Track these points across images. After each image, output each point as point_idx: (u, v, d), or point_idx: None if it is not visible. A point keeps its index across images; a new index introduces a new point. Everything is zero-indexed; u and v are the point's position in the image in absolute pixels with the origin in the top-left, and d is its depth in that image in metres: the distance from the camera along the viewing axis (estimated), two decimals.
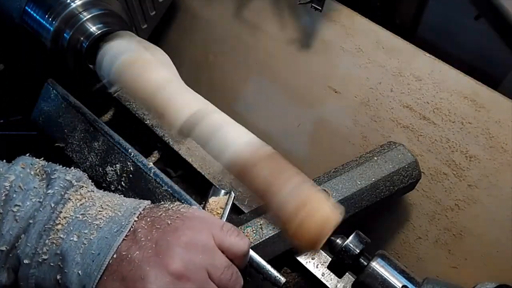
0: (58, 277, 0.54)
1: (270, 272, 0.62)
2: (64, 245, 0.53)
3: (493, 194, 0.79)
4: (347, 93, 0.91)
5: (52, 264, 0.54)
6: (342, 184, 0.72)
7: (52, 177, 0.57)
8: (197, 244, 0.54)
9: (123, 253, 0.53)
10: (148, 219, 0.56)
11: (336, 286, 0.72)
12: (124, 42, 0.75)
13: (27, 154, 0.61)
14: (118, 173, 0.75)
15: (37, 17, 0.80)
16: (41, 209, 0.55)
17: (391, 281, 0.61)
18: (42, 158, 0.62)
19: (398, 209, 0.86)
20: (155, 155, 0.88)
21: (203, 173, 0.81)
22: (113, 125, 0.80)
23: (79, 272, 0.52)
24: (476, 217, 0.80)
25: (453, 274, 0.82)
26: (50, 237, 0.54)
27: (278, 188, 0.60)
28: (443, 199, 0.83)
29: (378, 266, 0.62)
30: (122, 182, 0.74)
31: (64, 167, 0.60)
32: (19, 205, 0.55)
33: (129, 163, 0.74)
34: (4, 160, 0.60)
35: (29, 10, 0.80)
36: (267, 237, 0.68)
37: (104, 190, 0.61)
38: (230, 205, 0.64)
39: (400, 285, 0.61)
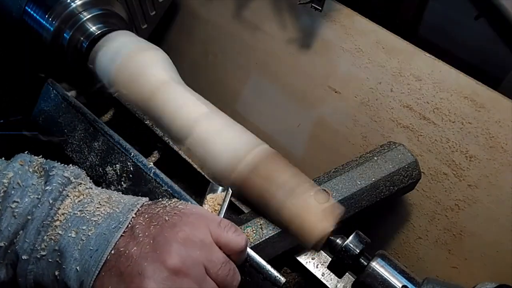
0: (57, 273, 0.54)
1: (270, 272, 0.62)
2: (62, 241, 0.54)
3: (493, 194, 0.79)
4: (347, 93, 0.91)
5: (50, 260, 0.54)
6: (342, 184, 0.72)
7: (50, 174, 0.58)
8: (195, 240, 0.54)
9: (121, 249, 0.53)
10: (146, 216, 0.56)
11: (336, 286, 0.72)
12: (121, 43, 0.75)
13: (26, 152, 0.62)
14: (118, 173, 0.75)
15: (37, 17, 0.80)
16: (39, 205, 0.55)
17: (391, 281, 0.61)
18: (41, 156, 0.62)
19: (398, 209, 0.86)
20: (155, 155, 0.88)
21: (203, 173, 0.81)
22: (113, 125, 0.80)
23: (77, 268, 0.53)
24: (476, 217, 0.80)
25: (453, 274, 0.82)
26: (48, 233, 0.54)
27: (271, 196, 0.61)
28: (443, 199, 0.83)
29: (378, 266, 0.62)
30: (122, 182, 0.74)
31: (63, 164, 0.61)
32: (17, 202, 0.55)
33: (129, 163, 0.74)
34: (3, 158, 0.60)
35: (29, 10, 0.80)
36: (267, 237, 0.68)
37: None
38: (227, 201, 0.64)
39: (400, 285, 0.61)
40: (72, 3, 0.79)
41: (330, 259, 0.67)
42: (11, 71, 0.97)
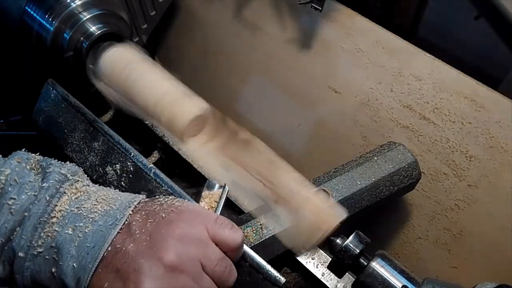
0: (53, 269, 0.54)
1: (270, 272, 0.62)
2: (59, 238, 0.54)
3: (493, 194, 0.79)
4: (347, 93, 0.91)
5: (47, 257, 0.54)
6: (342, 184, 0.72)
7: (47, 171, 0.58)
8: (191, 237, 0.54)
9: (118, 245, 0.53)
10: (143, 213, 0.56)
11: (336, 286, 0.72)
12: (124, 49, 0.75)
13: (23, 149, 0.62)
14: (118, 173, 0.75)
15: (37, 17, 0.80)
16: (36, 202, 0.55)
17: (391, 281, 0.61)
18: (38, 153, 0.62)
19: (398, 209, 0.86)
20: (155, 155, 0.88)
21: (203, 173, 0.81)
22: (113, 125, 0.80)
23: (74, 264, 0.53)
24: (476, 217, 0.80)
25: (453, 274, 0.82)
26: (45, 230, 0.54)
27: (283, 185, 0.61)
28: (443, 199, 0.83)
29: (378, 266, 0.62)
30: (122, 182, 0.74)
31: (60, 162, 0.61)
32: (14, 198, 0.55)
33: (129, 163, 0.74)
34: (0, 156, 0.60)
35: (29, 10, 0.80)
36: (267, 237, 0.68)
37: None
38: (224, 198, 0.64)
39: (400, 285, 0.61)
40: (72, 3, 0.79)
41: (330, 259, 0.67)
42: (11, 71, 0.97)
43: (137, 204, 0.57)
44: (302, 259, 0.73)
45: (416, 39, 0.90)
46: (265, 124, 0.99)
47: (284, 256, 0.70)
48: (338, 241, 0.64)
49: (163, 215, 0.55)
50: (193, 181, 0.85)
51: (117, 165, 0.75)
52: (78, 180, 0.59)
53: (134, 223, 0.55)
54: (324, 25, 0.95)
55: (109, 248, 0.53)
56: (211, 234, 0.56)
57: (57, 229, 0.54)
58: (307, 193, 0.62)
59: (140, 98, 0.70)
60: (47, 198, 0.55)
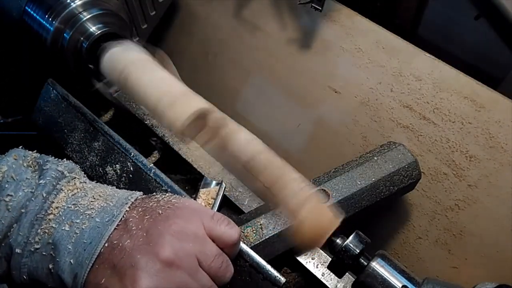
0: (50, 266, 0.54)
1: (270, 272, 0.62)
2: (56, 235, 0.54)
3: (493, 194, 0.79)
4: (347, 93, 0.91)
5: (44, 253, 0.55)
6: (342, 184, 0.72)
7: (44, 168, 0.58)
8: (188, 233, 0.54)
9: (114, 241, 0.53)
10: (140, 209, 0.56)
11: (336, 286, 0.72)
12: (128, 45, 0.75)
13: (20, 147, 0.62)
14: (118, 173, 0.75)
15: (37, 17, 0.80)
16: (33, 199, 0.56)
17: (391, 281, 0.61)
18: (35, 151, 0.62)
19: (398, 209, 0.86)
20: (155, 155, 0.88)
21: (203, 173, 0.81)
22: (113, 125, 0.80)
23: (71, 261, 0.53)
24: (476, 217, 0.80)
25: (453, 274, 0.82)
26: (42, 227, 0.55)
27: (283, 185, 0.61)
28: (443, 199, 0.83)
29: (378, 266, 0.62)
30: (122, 182, 0.74)
31: (56, 159, 0.61)
32: (11, 195, 0.56)
33: (129, 163, 0.74)
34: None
35: (29, 10, 0.80)
36: (267, 237, 0.68)
37: None
38: (221, 195, 0.64)
39: (400, 285, 0.61)
40: (72, 3, 0.79)
41: (330, 259, 0.67)
42: (11, 71, 0.97)
43: (134, 200, 0.58)
44: (302, 259, 0.73)
45: (416, 39, 0.90)
46: (265, 124, 0.99)
47: (284, 256, 0.70)
48: (338, 241, 0.64)
49: (160, 211, 0.56)
50: (193, 181, 0.85)
51: (117, 165, 0.75)
52: (75, 177, 0.59)
53: (131, 219, 0.55)
54: (324, 25, 0.95)
55: (106, 244, 0.53)
56: (207, 230, 0.56)
57: (54, 225, 0.55)
58: (307, 193, 0.62)
59: (141, 97, 0.70)
60: (44, 195, 0.56)
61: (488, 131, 0.80)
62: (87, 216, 0.55)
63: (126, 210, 0.56)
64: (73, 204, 0.56)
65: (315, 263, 0.73)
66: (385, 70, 0.89)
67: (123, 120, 0.90)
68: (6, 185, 0.56)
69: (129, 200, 0.57)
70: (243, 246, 0.63)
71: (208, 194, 0.66)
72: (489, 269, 0.79)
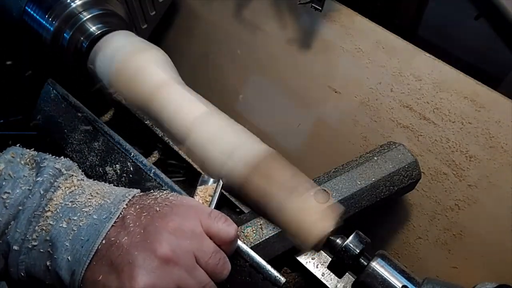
0: (48, 263, 0.55)
1: (270, 272, 0.62)
2: (54, 232, 0.54)
3: (493, 194, 0.79)
4: (347, 93, 0.91)
5: (41, 250, 0.55)
6: (342, 184, 0.72)
7: (42, 165, 0.58)
8: (185, 230, 0.55)
9: (112, 238, 0.54)
10: (137, 207, 0.57)
11: (336, 286, 0.72)
12: (121, 43, 0.75)
13: (18, 145, 0.62)
14: (118, 173, 0.75)
15: (37, 17, 0.80)
16: (30, 196, 0.56)
17: (391, 281, 0.61)
18: (33, 149, 0.62)
19: (398, 209, 0.86)
20: (155, 155, 0.88)
21: (203, 173, 0.81)
22: (113, 125, 0.80)
23: (69, 257, 0.53)
24: (476, 217, 0.80)
25: (453, 274, 0.82)
26: (39, 224, 0.55)
27: (271, 197, 0.61)
28: (443, 199, 0.83)
29: (378, 266, 0.62)
30: (122, 182, 0.74)
31: (54, 156, 0.61)
32: (8, 193, 0.56)
33: (129, 163, 0.74)
34: None
35: (29, 10, 0.80)
36: (267, 237, 0.68)
37: None
38: (218, 193, 0.64)
39: (400, 285, 0.61)
40: (72, 3, 0.79)
41: (330, 259, 0.67)
42: (11, 71, 0.97)
43: (131, 198, 0.58)
44: (302, 259, 0.73)
45: (416, 39, 0.90)
46: (265, 124, 0.99)
47: (284, 256, 0.70)
48: (338, 241, 0.64)
49: (157, 208, 0.56)
50: (193, 181, 0.84)
51: (117, 165, 0.75)
52: (72, 175, 0.59)
53: (128, 216, 0.55)
54: (324, 25, 0.95)
55: (103, 241, 0.54)
56: (205, 227, 0.56)
57: (51, 222, 0.55)
58: (306, 193, 0.62)
59: (143, 103, 0.70)
60: (41, 192, 0.56)
61: (488, 131, 0.80)
62: (85, 213, 0.55)
63: (124, 207, 0.56)
64: (70, 201, 0.56)
65: (315, 263, 0.73)
66: (385, 70, 0.89)
67: (123, 120, 0.90)
68: (4, 183, 0.56)
69: (127, 197, 0.58)
70: (243, 246, 0.63)
71: (206, 192, 0.66)
72: (489, 269, 0.79)
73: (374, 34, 0.91)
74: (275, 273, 0.62)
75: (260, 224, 0.69)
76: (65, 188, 0.57)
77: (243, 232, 0.69)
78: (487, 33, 1.09)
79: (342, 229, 0.63)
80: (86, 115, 0.79)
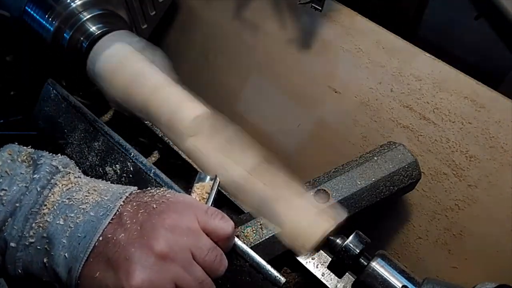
0: (45, 260, 0.55)
1: (270, 272, 0.62)
2: (51, 228, 0.54)
3: (493, 194, 0.79)
4: (347, 93, 0.91)
5: (38, 247, 0.55)
6: (342, 184, 0.72)
7: (39, 162, 0.59)
8: (182, 227, 0.55)
9: (109, 235, 0.54)
10: (134, 204, 0.57)
11: (336, 286, 0.72)
12: (117, 46, 0.75)
13: (15, 143, 0.62)
14: (118, 173, 0.75)
15: (37, 17, 0.80)
16: (27, 193, 0.56)
17: (391, 281, 0.61)
18: (30, 146, 0.62)
19: (398, 209, 0.86)
20: (155, 155, 0.88)
21: (200, 171, 0.81)
22: (113, 125, 0.80)
23: (66, 254, 0.53)
24: (476, 217, 0.80)
25: (453, 274, 0.82)
26: (36, 221, 0.55)
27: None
28: (443, 199, 0.83)
29: (378, 266, 0.62)
30: (122, 182, 0.74)
31: (51, 154, 0.61)
32: (5, 190, 0.56)
33: (129, 163, 0.74)
34: None
35: (29, 10, 0.80)
36: (267, 237, 0.68)
37: None
38: (215, 190, 0.64)
39: (400, 285, 0.61)
40: (72, 3, 0.79)
41: (330, 259, 0.67)
42: (11, 71, 0.97)
43: (128, 195, 0.58)
44: (302, 259, 0.73)
45: (416, 39, 0.90)
46: (265, 124, 0.99)
47: (284, 256, 0.70)
48: (338, 241, 0.64)
49: (154, 205, 0.56)
50: (193, 181, 0.84)
51: (117, 165, 0.75)
52: (69, 172, 0.60)
53: (125, 213, 0.55)
54: (324, 25, 0.94)
55: (100, 238, 0.54)
56: (201, 224, 0.56)
57: (48, 219, 0.55)
58: (306, 194, 0.63)
59: (142, 104, 0.70)
60: (38, 189, 0.56)
61: (488, 131, 0.80)
62: (82, 210, 0.55)
63: (121, 205, 0.56)
64: (67, 199, 0.56)
65: (315, 263, 0.73)
66: (385, 70, 0.89)
67: (123, 120, 0.90)
68: (0, 180, 0.56)
69: (124, 194, 0.58)
70: (243, 246, 0.63)
71: (203, 189, 0.66)
72: (489, 269, 0.79)
73: (374, 34, 0.91)
74: (275, 273, 0.62)
75: (260, 224, 0.69)
76: (62, 185, 0.57)
77: (243, 232, 0.69)
78: (487, 33, 1.09)
79: (342, 229, 0.64)
80: (86, 115, 0.79)
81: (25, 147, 0.62)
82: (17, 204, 0.55)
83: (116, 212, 0.56)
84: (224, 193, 0.80)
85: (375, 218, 0.87)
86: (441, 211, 0.83)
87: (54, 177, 0.58)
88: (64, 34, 0.79)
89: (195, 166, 0.82)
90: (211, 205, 0.63)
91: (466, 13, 1.12)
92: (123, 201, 0.57)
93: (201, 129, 0.70)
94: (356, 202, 0.72)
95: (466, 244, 0.81)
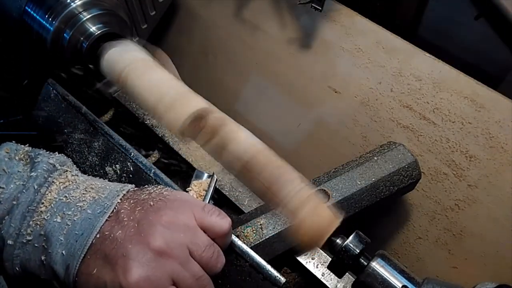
0: (43, 257, 0.55)
1: (270, 272, 0.62)
2: (48, 226, 0.55)
3: (493, 194, 0.79)
4: (347, 93, 0.91)
5: (36, 245, 0.55)
6: (342, 184, 0.72)
7: (36, 161, 0.59)
8: (179, 223, 0.55)
9: (106, 232, 0.54)
10: (131, 201, 0.57)
11: (336, 286, 0.72)
12: (127, 45, 0.75)
13: (12, 141, 0.62)
14: (118, 173, 0.75)
15: (37, 17, 0.80)
16: (24, 191, 0.56)
17: (391, 281, 0.61)
18: (28, 144, 0.62)
19: (398, 209, 0.86)
20: (155, 155, 0.88)
21: (197, 168, 0.81)
22: (113, 125, 0.80)
23: (63, 252, 0.54)
24: (476, 217, 0.80)
25: (453, 274, 0.82)
26: (34, 219, 0.55)
27: (282, 185, 0.61)
28: (443, 199, 0.83)
29: (378, 266, 0.62)
30: (122, 182, 0.74)
31: (48, 152, 0.61)
32: (3, 188, 0.56)
33: (129, 163, 0.74)
34: None
35: (29, 10, 0.80)
36: (267, 237, 0.68)
37: None
38: (212, 187, 0.64)
39: (400, 285, 0.61)
40: (72, 3, 0.79)
41: (330, 259, 0.67)
42: (11, 71, 0.97)
43: (125, 192, 0.58)
44: (302, 259, 0.73)
45: (416, 39, 0.90)
46: (265, 124, 0.99)
47: (284, 256, 0.70)
48: (338, 241, 0.64)
49: (151, 203, 0.56)
50: (190, 178, 0.84)
51: (117, 165, 0.75)
52: (66, 170, 0.60)
53: (122, 211, 0.56)
54: (324, 25, 0.95)
55: (98, 235, 0.54)
56: (198, 221, 0.56)
57: (45, 217, 0.55)
58: (307, 193, 0.62)
59: (140, 98, 0.70)
60: (36, 187, 0.56)
61: (488, 131, 0.80)
62: (79, 208, 0.56)
63: (118, 202, 0.57)
64: (64, 196, 0.56)
65: (315, 263, 0.73)
66: (385, 70, 0.89)
67: (123, 120, 0.90)
68: None
69: (121, 192, 0.58)
70: (243, 246, 0.63)
71: (200, 186, 0.66)
72: (489, 269, 0.79)
73: (374, 34, 0.91)
74: (275, 273, 0.62)
75: (260, 224, 0.69)
76: (59, 183, 0.58)
77: (243, 232, 0.69)
78: (487, 33, 1.09)
79: (342, 229, 0.64)
80: (86, 115, 0.79)
81: (22, 145, 0.62)
82: (14, 202, 0.56)
83: (113, 210, 0.56)
84: (224, 193, 0.80)
85: (375, 218, 0.87)
86: (441, 211, 0.83)
87: (51, 175, 0.58)
88: (64, 34, 0.79)
89: (195, 166, 0.82)
90: (208, 202, 0.63)
91: (466, 13, 1.12)
92: (120, 199, 0.57)
93: (200, 128, 0.70)
94: (356, 202, 0.72)
95: (466, 244, 0.81)
